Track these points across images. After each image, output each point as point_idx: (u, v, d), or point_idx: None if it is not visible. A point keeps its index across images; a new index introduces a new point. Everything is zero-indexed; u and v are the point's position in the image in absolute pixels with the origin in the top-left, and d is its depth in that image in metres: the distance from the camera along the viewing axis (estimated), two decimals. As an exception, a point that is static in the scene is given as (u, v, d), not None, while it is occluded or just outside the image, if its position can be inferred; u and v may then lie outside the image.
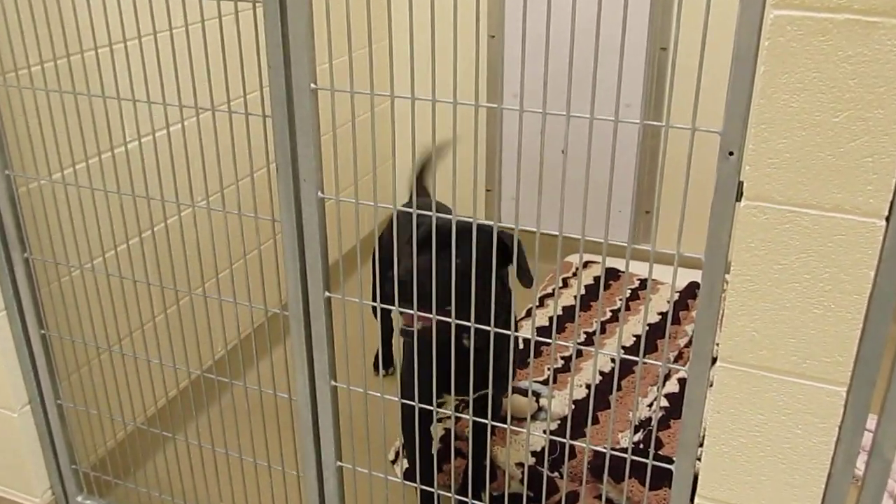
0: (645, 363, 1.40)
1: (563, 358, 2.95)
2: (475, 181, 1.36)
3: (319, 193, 1.54)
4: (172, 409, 2.19)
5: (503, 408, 2.48)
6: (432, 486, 1.98)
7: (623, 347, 3.05)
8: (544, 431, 2.42)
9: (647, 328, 3.16)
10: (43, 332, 2.04)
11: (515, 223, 1.40)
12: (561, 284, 3.48)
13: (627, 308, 3.35)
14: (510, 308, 1.73)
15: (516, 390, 2.64)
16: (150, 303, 1.97)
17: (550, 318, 3.16)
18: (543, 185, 2.98)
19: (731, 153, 1.17)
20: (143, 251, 1.90)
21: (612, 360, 2.91)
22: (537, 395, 2.62)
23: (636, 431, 2.51)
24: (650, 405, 2.66)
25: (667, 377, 2.83)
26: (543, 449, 2.43)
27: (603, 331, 3.19)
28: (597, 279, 3.46)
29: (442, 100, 1.33)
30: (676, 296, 3.36)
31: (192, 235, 2.20)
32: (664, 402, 2.61)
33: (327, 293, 1.63)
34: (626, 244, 1.34)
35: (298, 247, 1.60)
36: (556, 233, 1.42)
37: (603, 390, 2.75)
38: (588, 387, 2.78)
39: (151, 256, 2.08)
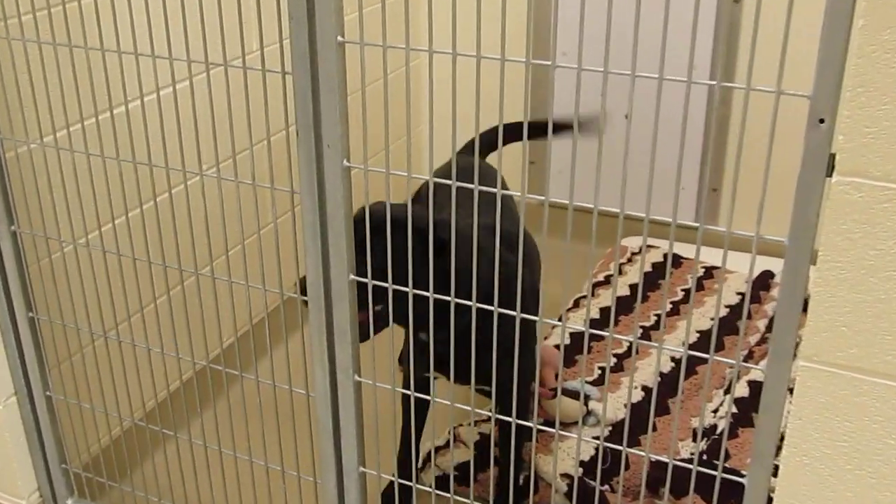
0: (715, 360, 1.39)
1: (616, 356, 2.95)
2: (525, 152, 1.35)
3: (345, 162, 1.54)
4: (174, 403, 2.20)
5: (534, 409, 2.47)
6: (409, 479, 2.01)
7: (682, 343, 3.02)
8: (595, 438, 2.42)
9: (714, 323, 3.13)
10: (31, 314, 2.06)
11: (570, 199, 1.40)
12: (613, 272, 3.46)
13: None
14: (520, 289, 1.72)
15: (564, 392, 2.63)
16: (152, 284, 1.99)
17: (603, 310, 3.15)
18: (593, 156, 2.96)
19: (821, 120, 1.16)
20: (145, 225, 1.91)
21: (673, 360, 2.90)
22: (587, 397, 2.61)
23: (700, 440, 2.50)
24: (715, 411, 2.64)
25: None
26: (593, 458, 2.42)
27: (656, 326, 3.16)
28: (657, 266, 3.44)
29: (488, 56, 1.32)
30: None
31: (200, 208, 2.20)
32: (732, 408, 2.59)
33: (352, 276, 1.63)
34: (693, 225, 1.32)
35: (320, 222, 1.60)
36: (615, 210, 1.40)
37: (662, 393, 2.73)
38: (645, 389, 2.76)
39: (154, 231, 2.09)
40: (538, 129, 1.62)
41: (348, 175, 1.56)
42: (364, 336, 1.72)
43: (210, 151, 1.98)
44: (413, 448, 2.19)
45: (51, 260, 2.15)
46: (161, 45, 1.75)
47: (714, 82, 1.28)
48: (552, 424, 2.49)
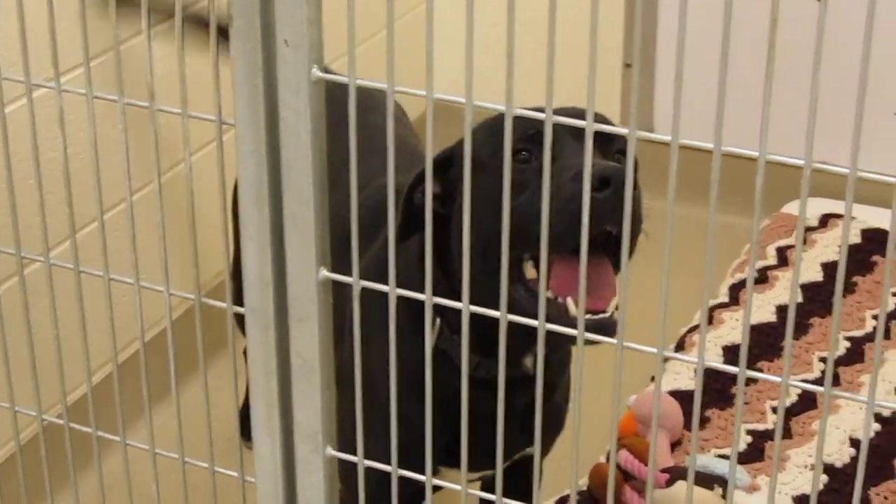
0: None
1: (774, 410, 2.94)
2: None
3: (315, 70, 1.54)
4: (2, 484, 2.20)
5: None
6: None
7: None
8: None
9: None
10: None
11: (673, 130, 1.40)
12: (773, 261, 3.46)
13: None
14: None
15: (683, 473, 2.63)
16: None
17: (758, 330, 3.15)
18: (742, 60, 2.96)
19: None
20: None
21: (877, 418, 2.89)
22: (725, 482, 2.61)
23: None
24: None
25: None
26: None
27: (857, 356, 3.15)
28: (849, 250, 3.43)
29: None
30: None
31: (48, 142, 2.18)
32: None
33: (324, 271, 1.64)
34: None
35: (269, 175, 1.61)
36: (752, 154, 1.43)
37: (848, 477, 2.72)
38: (830, 470, 2.76)
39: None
40: None
41: (321, 92, 1.57)
42: None
43: (70, 48, 1.96)
44: None
45: None
46: None
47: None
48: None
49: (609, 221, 1.96)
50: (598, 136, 1.57)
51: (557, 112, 1.49)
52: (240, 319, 1.74)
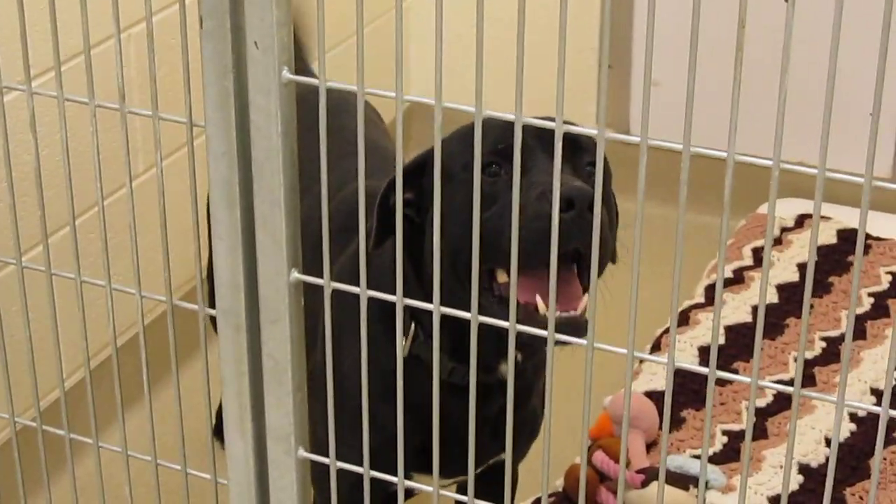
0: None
1: (754, 410, 2.93)
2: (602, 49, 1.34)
3: (286, 72, 1.54)
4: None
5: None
6: None
7: (873, 391, 3.01)
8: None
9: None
10: None
11: (642, 131, 1.39)
12: (750, 262, 3.45)
13: (884, 311, 3.30)
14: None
15: (663, 475, 2.63)
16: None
17: (731, 330, 3.14)
18: (719, 57, 2.95)
19: None
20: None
21: (852, 418, 2.89)
22: (704, 484, 2.61)
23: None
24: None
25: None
26: None
27: (833, 356, 3.15)
28: (826, 250, 3.42)
29: None
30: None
31: (23, 146, 2.18)
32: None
33: (296, 273, 1.64)
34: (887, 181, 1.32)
35: (240, 178, 1.61)
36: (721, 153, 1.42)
37: (824, 477, 2.72)
38: (805, 470, 2.75)
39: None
40: None
41: (291, 94, 1.56)
42: None
43: (42, 50, 1.96)
44: None
45: None
46: None
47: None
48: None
49: (574, 242, 1.95)
50: (568, 148, 1.56)
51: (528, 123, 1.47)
52: (214, 322, 1.74)
